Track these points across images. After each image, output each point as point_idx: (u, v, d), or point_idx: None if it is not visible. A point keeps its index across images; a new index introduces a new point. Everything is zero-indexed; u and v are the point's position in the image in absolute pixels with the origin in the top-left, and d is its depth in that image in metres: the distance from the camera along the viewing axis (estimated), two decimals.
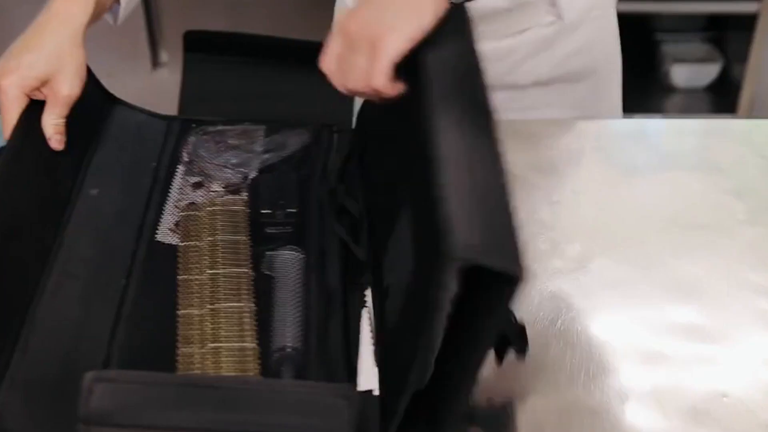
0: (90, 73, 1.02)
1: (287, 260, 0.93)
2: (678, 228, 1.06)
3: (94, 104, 1.05)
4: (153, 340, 0.87)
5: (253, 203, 0.99)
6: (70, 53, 0.97)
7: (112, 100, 1.09)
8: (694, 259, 1.01)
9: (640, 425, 0.83)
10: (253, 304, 0.89)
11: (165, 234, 0.97)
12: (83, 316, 0.87)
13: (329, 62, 0.89)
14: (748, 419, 0.84)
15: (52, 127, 0.95)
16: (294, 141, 1.07)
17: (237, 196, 1.00)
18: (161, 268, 0.93)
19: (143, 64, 2.46)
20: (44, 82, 0.95)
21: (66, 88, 0.95)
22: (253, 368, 0.84)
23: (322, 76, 1.02)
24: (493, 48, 1.24)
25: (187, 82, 1.12)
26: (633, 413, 0.84)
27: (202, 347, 0.85)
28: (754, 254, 1.02)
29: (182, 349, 0.85)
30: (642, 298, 0.96)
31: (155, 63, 2.49)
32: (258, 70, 1.12)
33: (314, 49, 1.12)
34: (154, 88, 2.32)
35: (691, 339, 0.91)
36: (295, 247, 0.94)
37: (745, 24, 2.44)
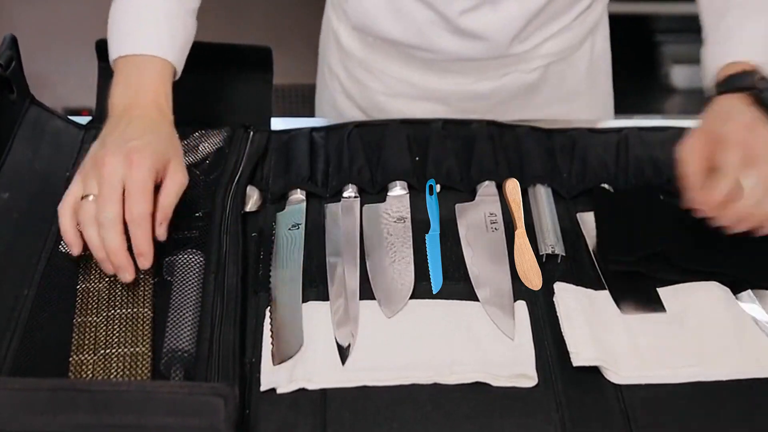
0: (20, 67, 1.03)
1: (186, 264, 0.93)
2: None
3: (18, 103, 1.06)
4: (47, 348, 0.87)
5: None
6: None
7: (32, 101, 1.09)
8: None
9: None
10: (149, 310, 0.90)
11: None
12: None
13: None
14: None
15: None
16: (208, 143, 1.08)
17: None
18: (62, 277, 0.93)
19: None
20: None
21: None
22: (143, 372, 0.85)
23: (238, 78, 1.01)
24: (473, 89, 1.23)
25: (103, 90, 1.12)
26: None
27: (95, 354, 0.86)
28: None
29: (75, 357, 0.86)
30: None
31: None
32: None
33: (230, 50, 1.12)
34: None
35: None
36: (194, 250, 0.94)
37: None
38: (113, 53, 0.99)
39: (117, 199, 0.87)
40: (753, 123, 0.94)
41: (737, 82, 0.99)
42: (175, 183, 0.91)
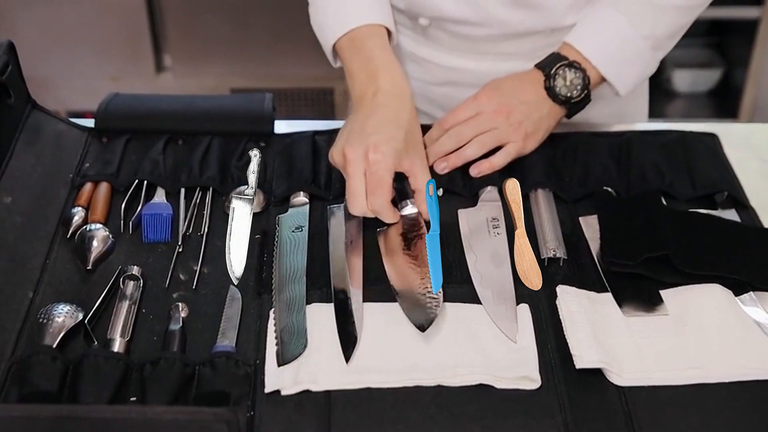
0: (19, 71, 1.03)
1: None
2: None
3: (17, 107, 1.06)
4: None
5: None
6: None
7: (34, 105, 1.09)
8: None
9: None
10: None
11: None
12: None
13: None
14: None
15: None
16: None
17: None
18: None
19: (147, 68, 2.47)
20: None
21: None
22: None
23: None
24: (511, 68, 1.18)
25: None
26: None
27: None
28: None
29: None
30: None
31: (159, 67, 2.51)
32: None
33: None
34: (157, 91, 2.33)
35: None
36: None
37: (747, 29, 2.41)
38: (329, 40, 1.07)
39: (361, 192, 0.96)
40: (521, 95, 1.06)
41: (545, 61, 1.09)
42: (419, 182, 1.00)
